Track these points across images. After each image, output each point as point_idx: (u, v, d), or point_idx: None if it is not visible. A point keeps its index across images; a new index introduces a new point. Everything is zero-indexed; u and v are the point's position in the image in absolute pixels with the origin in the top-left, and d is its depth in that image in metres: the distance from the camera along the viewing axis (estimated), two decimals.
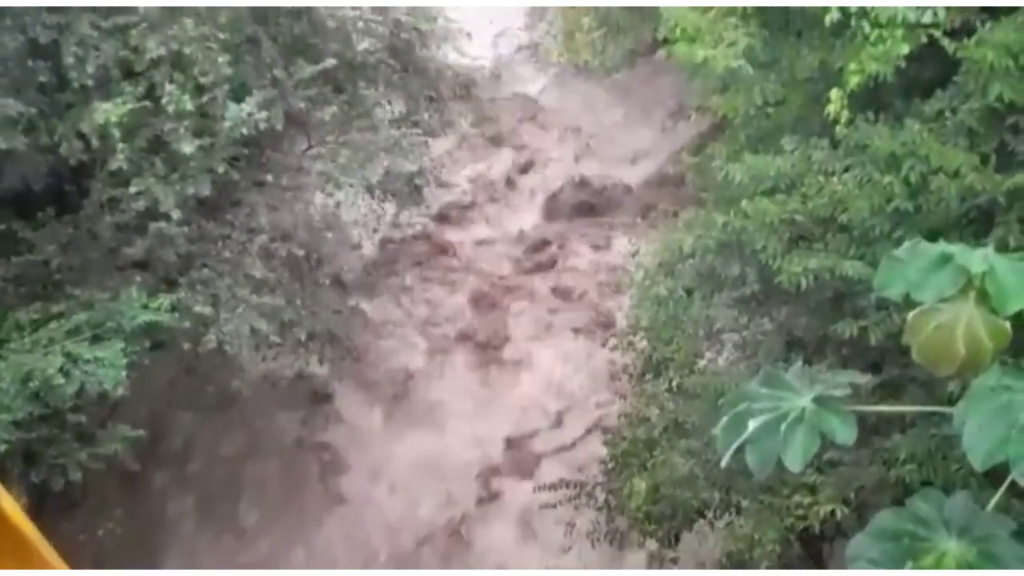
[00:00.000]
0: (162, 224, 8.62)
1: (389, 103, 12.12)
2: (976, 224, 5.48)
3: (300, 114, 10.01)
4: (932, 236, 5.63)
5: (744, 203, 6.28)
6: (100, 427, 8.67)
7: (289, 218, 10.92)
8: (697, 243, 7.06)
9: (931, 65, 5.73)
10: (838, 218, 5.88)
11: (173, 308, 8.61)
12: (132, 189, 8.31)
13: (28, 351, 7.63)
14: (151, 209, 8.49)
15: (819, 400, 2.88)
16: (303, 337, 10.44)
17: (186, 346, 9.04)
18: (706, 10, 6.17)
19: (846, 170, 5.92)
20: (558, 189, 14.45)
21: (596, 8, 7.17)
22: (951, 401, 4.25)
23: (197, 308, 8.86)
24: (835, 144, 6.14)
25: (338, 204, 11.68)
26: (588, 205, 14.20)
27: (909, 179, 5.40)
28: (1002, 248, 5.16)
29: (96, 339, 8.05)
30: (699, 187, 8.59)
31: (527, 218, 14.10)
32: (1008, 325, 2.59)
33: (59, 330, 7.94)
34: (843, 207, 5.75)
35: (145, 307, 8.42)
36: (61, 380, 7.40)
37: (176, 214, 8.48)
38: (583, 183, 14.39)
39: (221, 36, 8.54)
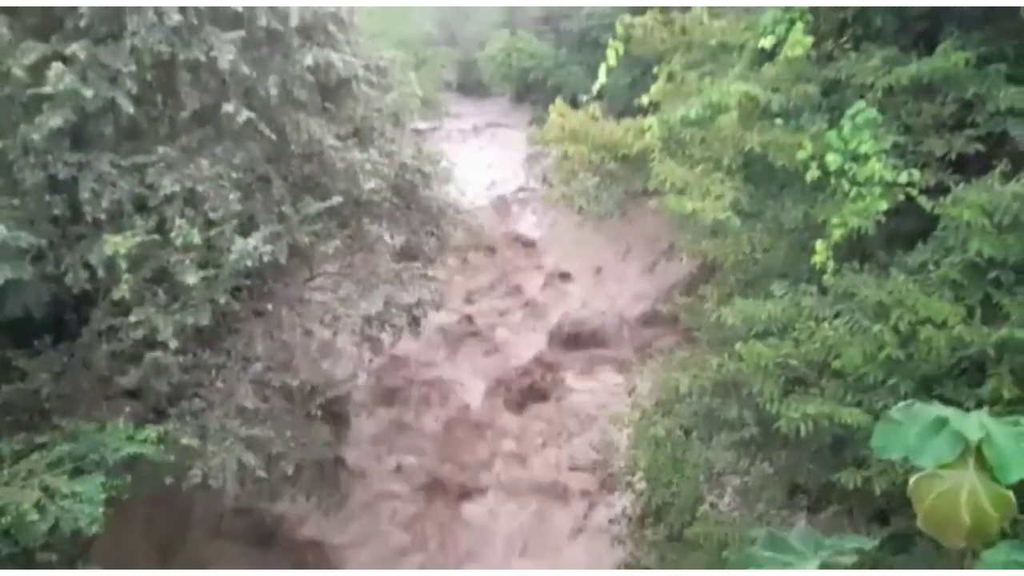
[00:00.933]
0: (158, 353, 8.63)
1: (391, 237, 12.54)
2: (969, 374, 5.54)
3: (304, 247, 10.27)
4: (926, 385, 5.68)
5: (738, 346, 6.36)
6: (69, 566, 8.21)
7: (286, 348, 10.98)
8: (693, 383, 7.08)
9: (910, 219, 6.01)
10: (831, 364, 5.94)
11: (160, 440, 8.44)
12: (132, 318, 8.38)
13: (6, 484, 7.37)
14: (148, 338, 8.53)
15: (826, 567, 2.80)
16: (290, 471, 10.13)
17: (168, 480, 8.74)
18: (692, 165, 6.55)
19: (836, 316, 6.05)
20: (553, 326, 14.64)
21: (591, 159, 7.65)
22: (962, 558, 4.10)
23: (184, 440, 8.69)
24: (823, 291, 6.31)
25: (335, 334, 11.73)
26: (583, 342, 14.34)
27: (898, 328, 5.51)
28: (996, 399, 5.20)
29: (76, 472, 7.82)
30: (692, 327, 8.70)
31: (522, 354, 14.16)
32: (1011, 495, 2.57)
33: (40, 462, 7.71)
34: (836, 353, 5.82)
35: (131, 439, 8.25)
36: (35, 516, 7.09)
37: (173, 343, 8.50)
38: (578, 320, 14.61)
39: (234, 175, 8.95)
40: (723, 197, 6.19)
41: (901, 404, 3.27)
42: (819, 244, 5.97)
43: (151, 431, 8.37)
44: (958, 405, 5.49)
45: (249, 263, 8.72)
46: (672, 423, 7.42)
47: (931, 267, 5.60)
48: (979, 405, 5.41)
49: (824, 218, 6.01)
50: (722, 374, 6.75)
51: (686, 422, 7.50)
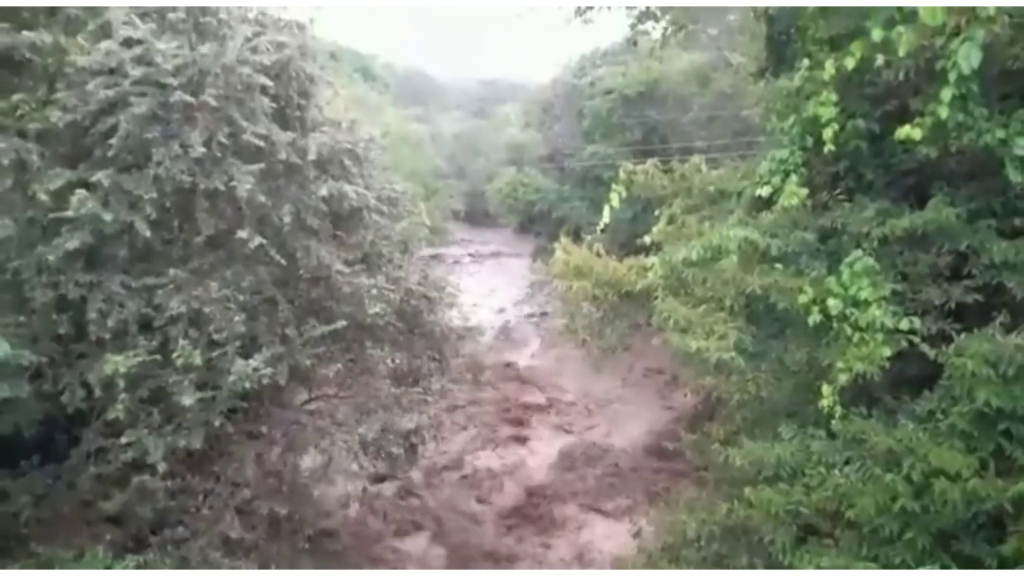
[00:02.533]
0: (145, 477, 8.36)
1: (393, 361, 12.48)
2: (987, 529, 5.31)
3: (305, 369, 10.20)
4: (943, 540, 5.43)
5: (747, 491, 6.18)
6: None
7: (277, 473, 10.63)
8: (701, 528, 6.82)
9: (914, 365, 6.00)
10: (844, 513, 5.72)
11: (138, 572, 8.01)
12: (123, 439, 8.18)
13: None
14: (137, 460, 8.29)
15: None
16: None
17: None
18: (696, 304, 6.64)
19: (846, 463, 5.91)
20: (554, 459, 14.20)
21: (595, 294, 7.79)
22: None
23: (163, 573, 8.23)
24: (832, 435, 6.19)
25: (330, 460, 11.40)
26: (585, 477, 13.87)
27: (911, 478, 5.35)
28: (1019, 558, 4.95)
29: None
30: (699, 465, 8.48)
31: (521, 489, 13.65)
32: None
33: None
34: (848, 502, 5.62)
35: (108, 568, 7.84)
36: None
37: (162, 466, 8.24)
38: (580, 454, 14.19)
39: (241, 298, 9.04)
40: (726, 337, 6.22)
41: (921, 572, 3.11)
42: (825, 388, 5.92)
43: (130, 561, 7.96)
44: (979, 563, 5.24)
45: (248, 385, 8.62)
46: (679, 571, 7.04)
47: (939, 416, 5.52)
48: (1001, 563, 5.15)
49: (829, 361, 6.00)
50: (731, 519, 6.51)
51: (694, 569, 7.12)
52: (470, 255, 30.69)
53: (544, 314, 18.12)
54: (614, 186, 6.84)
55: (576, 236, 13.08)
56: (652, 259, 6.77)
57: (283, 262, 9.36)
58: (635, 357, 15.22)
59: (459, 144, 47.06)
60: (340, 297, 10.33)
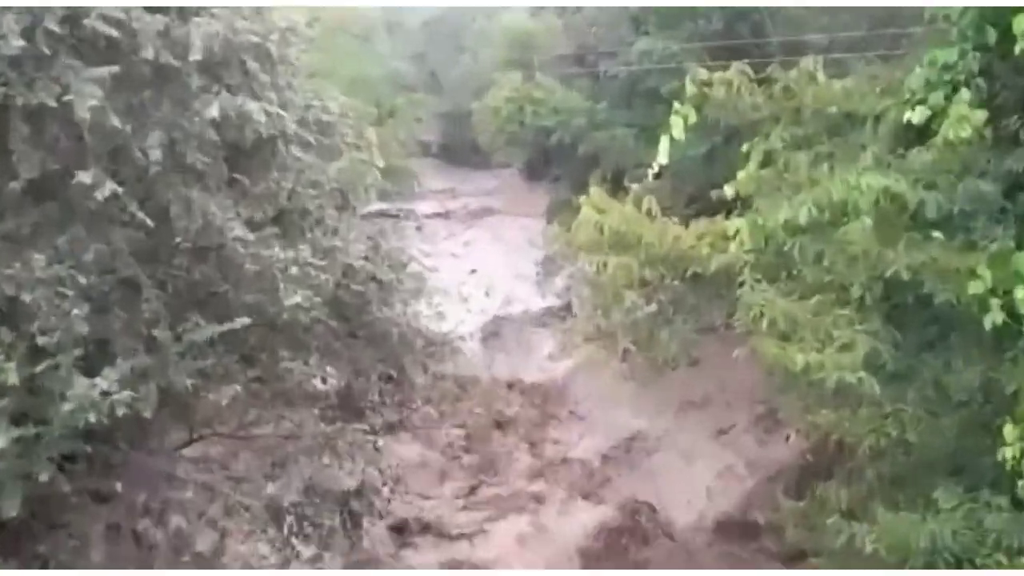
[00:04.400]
0: None
1: (324, 382, 12.56)
2: None
3: (184, 393, 10.23)
4: None
5: None
6: None
7: (139, 557, 10.72)
8: None
9: None
10: None
11: None
12: None
13: None
14: None
15: None
16: None
17: None
18: (804, 294, 6.68)
19: None
20: (577, 546, 14.21)
21: (643, 277, 7.78)
22: None
23: None
24: (1018, 503, 6.24)
25: (222, 537, 11.52)
26: (620, 558, 13.94)
27: None
28: None
29: None
30: (806, 547, 8.63)
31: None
32: None
33: None
34: None
35: None
36: None
37: None
38: (618, 538, 14.25)
39: (83, 279, 9.05)
40: (853, 347, 6.25)
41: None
42: (1008, 429, 5.93)
43: None
44: None
45: (93, 417, 8.65)
46: None
47: None
48: None
49: (1016, 387, 6.02)
50: None
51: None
52: (447, 212, 30.72)
53: (563, 308, 17.90)
54: (677, 105, 6.82)
55: (616, 184, 13.06)
56: (736, 222, 6.79)
57: (149, 222, 9.36)
58: (705, 380, 15.30)
59: (431, 35, 46.88)
60: (240, 279, 10.36)
